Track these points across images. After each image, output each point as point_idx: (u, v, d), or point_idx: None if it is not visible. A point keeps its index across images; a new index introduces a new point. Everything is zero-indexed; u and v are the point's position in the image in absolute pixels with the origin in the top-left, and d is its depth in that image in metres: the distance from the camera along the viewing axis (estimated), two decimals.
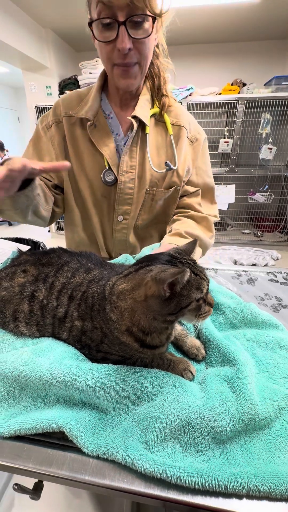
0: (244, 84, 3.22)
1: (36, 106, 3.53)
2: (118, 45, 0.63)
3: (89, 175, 0.83)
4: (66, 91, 3.40)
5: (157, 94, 0.83)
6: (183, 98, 3.03)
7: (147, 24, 0.64)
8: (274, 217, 3.62)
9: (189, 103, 3.06)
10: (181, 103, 3.04)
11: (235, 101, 3.00)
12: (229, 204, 3.22)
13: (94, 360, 0.47)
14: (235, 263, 2.93)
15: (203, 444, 0.37)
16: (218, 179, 3.30)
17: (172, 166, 0.81)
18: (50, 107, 0.87)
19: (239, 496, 0.33)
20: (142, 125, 0.80)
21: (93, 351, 0.47)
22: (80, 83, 3.33)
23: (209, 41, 3.56)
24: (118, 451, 0.36)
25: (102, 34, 0.64)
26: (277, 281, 0.87)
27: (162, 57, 0.81)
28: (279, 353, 0.51)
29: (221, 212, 3.65)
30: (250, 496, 0.33)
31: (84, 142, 0.81)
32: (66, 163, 0.57)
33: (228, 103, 3.04)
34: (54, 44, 3.45)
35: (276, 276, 0.90)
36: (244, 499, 0.33)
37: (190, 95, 3.07)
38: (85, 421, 0.39)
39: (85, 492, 0.81)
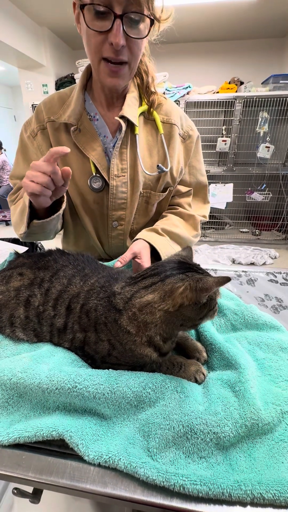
0: (242, 83, 3.21)
1: (32, 105, 3.50)
2: (111, 39, 0.57)
3: (78, 183, 0.79)
4: None
5: (146, 91, 0.78)
6: (181, 96, 3.02)
7: (143, 25, 0.60)
8: (272, 216, 3.63)
9: (187, 102, 3.05)
10: (178, 101, 3.02)
11: (233, 100, 2.99)
12: (227, 203, 3.21)
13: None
14: (233, 262, 2.93)
15: (206, 451, 0.37)
16: (216, 178, 3.29)
17: (164, 169, 0.77)
18: None
19: (243, 504, 0.32)
20: (131, 125, 0.75)
21: (98, 362, 0.46)
22: (77, 81, 3.30)
23: (206, 39, 3.55)
24: (120, 458, 0.35)
25: (94, 22, 0.58)
26: (277, 282, 0.87)
27: (147, 56, 0.76)
28: (280, 356, 0.51)
29: (219, 211, 3.64)
30: (254, 503, 0.32)
31: (70, 148, 0.75)
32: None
33: (226, 101, 3.03)
34: (50, 42, 3.43)
35: (276, 277, 0.90)
36: (248, 507, 0.32)
37: (187, 93, 3.05)
38: (85, 428, 0.38)
39: None
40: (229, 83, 3.23)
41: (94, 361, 0.47)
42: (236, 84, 3.18)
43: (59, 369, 0.42)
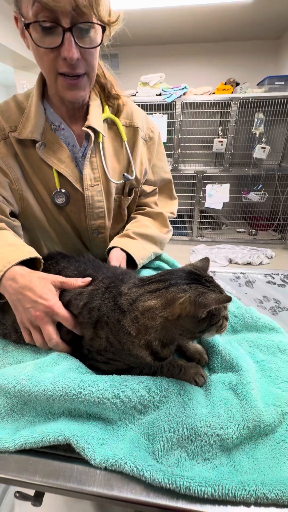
0: (238, 84, 3.23)
1: None
2: (65, 54, 0.55)
3: (46, 199, 0.75)
4: None
5: (108, 97, 0.76)
6: (177, 97, 3.03)
7: (94, 33, 0.57)
8: (268, 216, 3.65)
9: (183, 103, 3.06)
10: (175, 102, 3.03)
11: (229, 101, 3.01)
12: (223, 203, 3.23)
13: (94, 361, 0.47)
14: (230, 261, 2.95)
15: (210, 452, 0.37)
16: (212, 178, 3.31)
17: (129, 177, 0.77)
18: None
19: (247, 504, 0.33)
20: (96, 133, 0.72)
21: (94, 353, 0.47)
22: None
23: (202, 40, 3.56)
24: (126, 462, 0.36)
25: (43, 39, 0.54)
26: (274, 283, 0.88)
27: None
28: (280, 357, 0.52)
29: (216, 211, 3.63)
30: (258, 503, 0.33)
31: (38, 163, 0.72)
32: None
33: (222, 102, 3.05)
34: None
35: (273, 278, 0.91)
36: (252, 507, 0.33)
37: (184, 94, 3.06)
38: (91, 432, 0.39)
39: None
40: (225, 84, 3.24)
41: (91, 353, 0.48)
42: (232, 85, 3.19)
43: (63, 376, 0.42)
